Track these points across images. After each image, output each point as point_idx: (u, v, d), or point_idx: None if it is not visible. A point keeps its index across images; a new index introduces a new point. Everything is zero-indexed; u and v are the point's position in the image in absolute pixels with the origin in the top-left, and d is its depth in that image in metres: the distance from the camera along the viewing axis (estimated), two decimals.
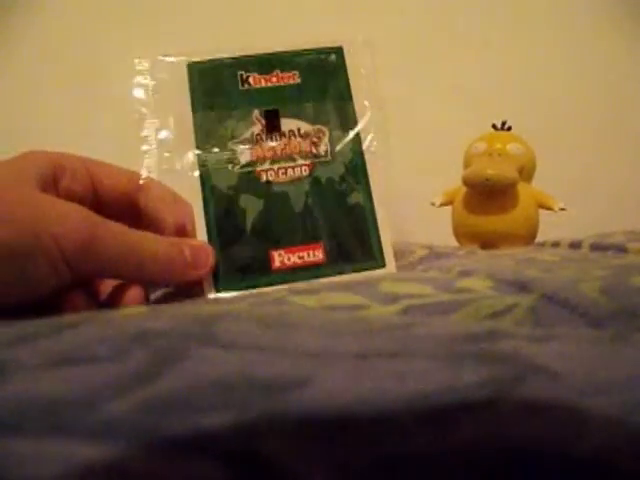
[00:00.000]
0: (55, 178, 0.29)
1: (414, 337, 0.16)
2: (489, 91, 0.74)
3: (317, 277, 0.31)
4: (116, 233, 0.27)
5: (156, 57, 0.32)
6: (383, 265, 0.31)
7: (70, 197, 0.28)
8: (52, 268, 0.25)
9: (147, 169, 0.31)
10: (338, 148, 0.32)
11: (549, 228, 0.54)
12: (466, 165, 0.57)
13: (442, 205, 0.58)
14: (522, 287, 0.21)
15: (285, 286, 0.29)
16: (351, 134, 0.33)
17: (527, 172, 0.55)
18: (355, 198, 0.32)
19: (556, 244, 0.47)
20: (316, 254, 0.31)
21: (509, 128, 0.58)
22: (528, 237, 0.53)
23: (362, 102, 0.33)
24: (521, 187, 0.53)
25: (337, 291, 0.22)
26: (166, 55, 0.32)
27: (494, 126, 0.59)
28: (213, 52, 0.33)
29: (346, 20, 0.67)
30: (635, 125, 0.74)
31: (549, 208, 0.53)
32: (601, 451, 0.12)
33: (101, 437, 0.12)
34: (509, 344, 0.16)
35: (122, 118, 0.32)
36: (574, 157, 0.73)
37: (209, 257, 0.30)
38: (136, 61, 0.31)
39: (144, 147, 0.31)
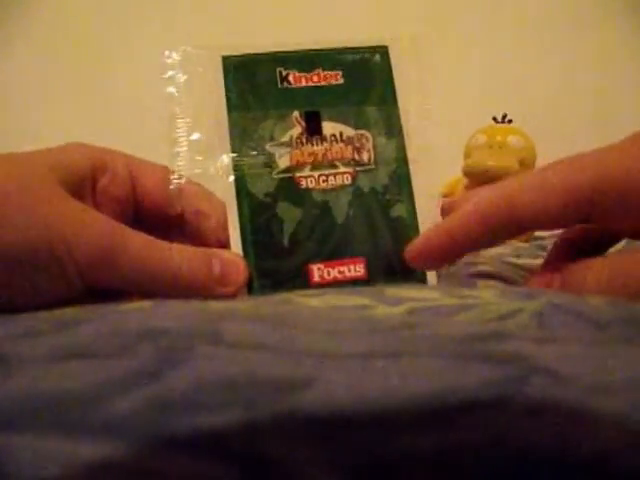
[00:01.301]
0: (94, 177, 0.27)
1: (419, 337, 0.16)
2: (490, 85, 0.74)
3: None
4: (137, 246, 0.25)
5: (188, 49, 0.29)
6: (424, 282, 0.30)
7: (107, 199, 0.27)
8: (63, 279, 0.23)
9: (178, 173, 0.28)
10: (382, 156, 0.31)
11: None
12: (466, 157, 0.57)
13: (443, 197, 0.58)
14: (528, 296, 0.21)
15: None
16: (395, 141, 0.31)
17: (527, 164, 0.57)
18: (398, 211, 0.30)
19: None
20: (357, 269, 0.29)
21: (510, 121, 0.59)
22: None
23: (408, 107, 0.31)
24: None
25: (343, 293, 0.22)
26: (199, 47, 0.29)
27: (495, 119, 0.59)
28: (250, 46, 0.30)
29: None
30: (634, 118, 0.76)
31: None
32: (604, 452, 0.12)
33: (105, 434, 0.12)
34: (514, 345, 0.16)
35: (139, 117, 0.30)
36: (575, 150, 0.74)
37: (240, 273, 0.28)
38: (166, 53, 0.28)
39: (175, 149, 0.28)
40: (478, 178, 0.53)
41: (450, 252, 0.27)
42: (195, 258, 0.26)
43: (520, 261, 0.40)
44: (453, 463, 0.12)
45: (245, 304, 0.21)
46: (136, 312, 0.18)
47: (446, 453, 0.12)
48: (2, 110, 0.68)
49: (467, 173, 0.52)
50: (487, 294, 0.21)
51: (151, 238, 0.26)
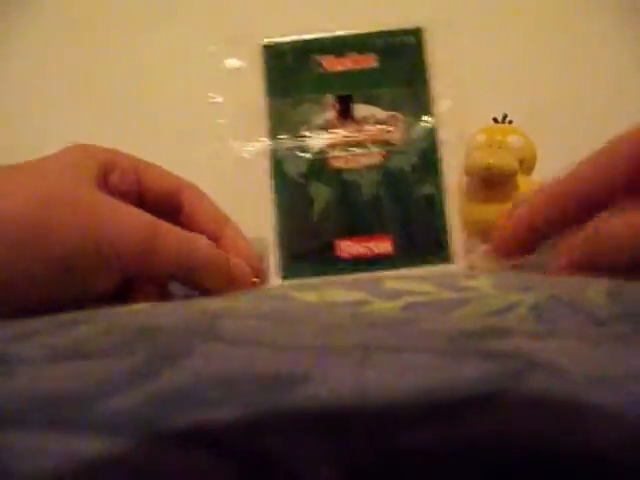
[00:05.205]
0: (105, 174, 0.28)
1: (416, 332, 0.16)
2: (491, 85, 0.72)
3: (383, 269, 0.31)
4: (171, 234, 0.26)
5: (231, 38, 0.31)
6: (451, 261, 0.31)
7: (117, 196, 0.27)
8: (107, 274, 0.24)
9: (219, 156, 0.31)
10: (412, 137, 0.32)
11: None
12: (467, 157, 0.57)
13: None
14: (526, 288, 0.21)
15: (287, 282, 0.29)
16: (425, 123, 0.32)
17: (527, 165, 0.57)
18: (426, 189, 0.31)
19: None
20: (384, 245, 0.31)
21: (510, 122, 0.58)
22: None
23: (439, 88, 0.32)
24: (521, 180, 0.52)
25: (339, 287, 0.23)
26: (241, 36, 0.32)
27: (495, 119, 0.59)
28: (288, 33, 0.32)
29: None
30: (636, 120, 0.72)
31: None
32: (602, 446, 0.12)
33: (104, 431, 0.12)
34: (511, 340, 0.16)
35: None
36: (575, 151, 0.72)
37: (246, 274, 0.29)
38: (210, 46, 0.31)
39: (216, 134, 0.31)
40: (479, 176, 0.53)
41: (528, 239, 0.28)
42: (217, 252, 0.28)
43: None
44: (453, 458, 0.12)
45: (242, 301, 0.22)
46: (134, 312, 0.19)
47: (446, 448, 0.12)
48: (18, 114, 0.73)
49: (468, 172, 0.53)
50: (484, 285, 0.22)
51: (179, 228, 0.27)
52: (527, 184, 0.54)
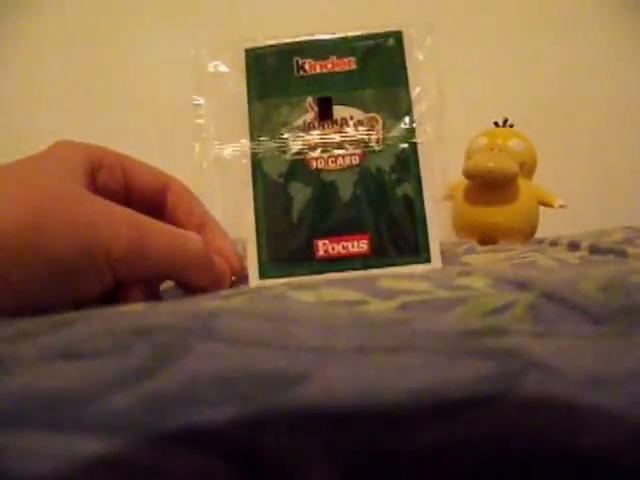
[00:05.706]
0: (93, 172, 0.28)
1: (414, 332, 0.16)
2: (491, 89, 0.72)
3: (360, 268, 0.31)
4: (160, 232, 0.26)
5: (214, 44, 0.32)
6: (428, 260, 0.31)
7: (105, 193, 0.27)
8: (99, 277, 0.24)
9: (200, 157, 0.32)
10: (390, 137, 0.32)
11: (550, 221, 0.55)
12: (467, 159, 0.58)
13: (443, 199, 0.58)
14: (521, 285, 0.20)
15: (285, 280, 0.29)
16: (404, 123, 0.32)
17: (528, 168, 0.56)
18: (404, 190, 0.31)
19: (554, 243, 0.45)
20: (361, 245, 0.31)
21: (511, 126, 0.58)
22: (527, 232, 0.54)
23: (418, 90, 0.32)
24: (521, 183, 0.54)
25: (335, 287, 0.22)
26: (224, 42, 0.32)
27: (496, 123, 0.59)
28: (270, 38, 0.33)
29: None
30: (636, 123, 0.74)
31: (549, 205, 0.54)
32: (601, 446, 0.12)
33: (102, 431, 0.12)
34: (509, 340, 0.16)
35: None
36: (575, 155, 0.74)
37: (225, 274, 0.30)
38: (194, 50, 0.32)
39: (198, 135, 0.32)
40: (479, 179, 0.53)
41: None
42: (204, 251, 0.28)
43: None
44: (453, 458, 0.12)
45: (239, 301, 0.22)
46: (132, 312, 0.19)
47: (445, 448, 0.12)
48: (15, 114, 0.74)
49: (468, 175, 0.53)
50: (479, 284, 0.21)
51: (168, 225, 0.27)
52: (528, 187, 0.54)
